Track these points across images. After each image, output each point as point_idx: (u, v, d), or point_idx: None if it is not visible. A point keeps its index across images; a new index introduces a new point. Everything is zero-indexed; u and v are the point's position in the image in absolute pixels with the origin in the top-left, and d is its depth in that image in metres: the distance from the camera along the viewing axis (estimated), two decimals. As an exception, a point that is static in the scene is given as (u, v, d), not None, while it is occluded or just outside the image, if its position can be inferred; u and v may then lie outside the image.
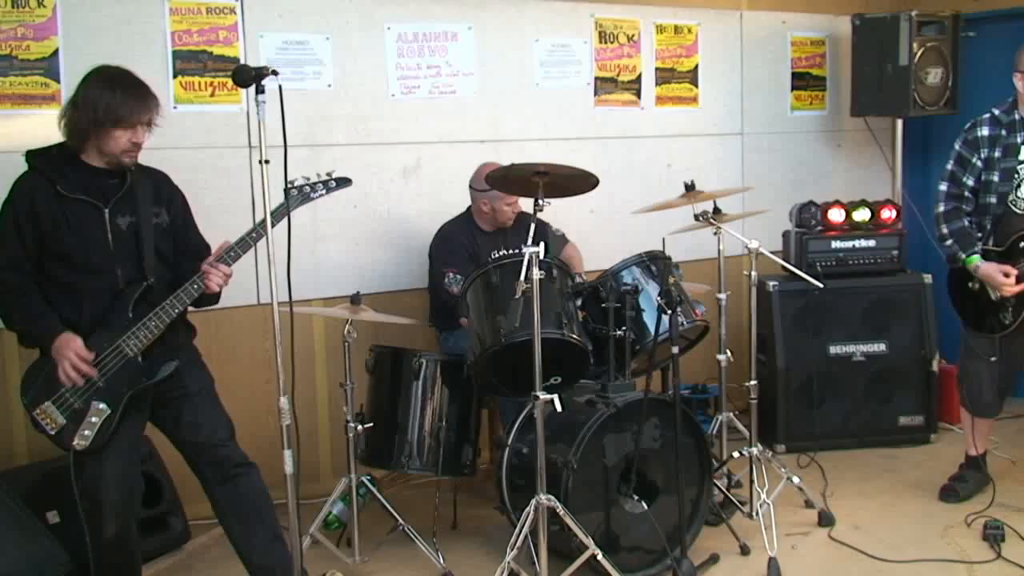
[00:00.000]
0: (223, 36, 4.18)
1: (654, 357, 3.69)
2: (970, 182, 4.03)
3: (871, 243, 4.99)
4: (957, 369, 4.36)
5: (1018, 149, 3.93)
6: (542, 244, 3.18)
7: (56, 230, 2.98)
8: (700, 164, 5.34)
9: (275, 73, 2.79)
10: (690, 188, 4.01)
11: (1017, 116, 3.94)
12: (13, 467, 3.76)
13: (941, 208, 4.08)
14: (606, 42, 5.14)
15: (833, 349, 4.90)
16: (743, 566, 3.71)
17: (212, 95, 4.17)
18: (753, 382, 4.05)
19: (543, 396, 3.21)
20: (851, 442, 4.92)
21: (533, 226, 3.16)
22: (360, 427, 3.71)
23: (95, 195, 3.02)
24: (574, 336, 3.49)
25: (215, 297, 3.18)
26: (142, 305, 3.04)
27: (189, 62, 4.12)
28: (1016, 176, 3.93)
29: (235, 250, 3.10)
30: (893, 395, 4.94)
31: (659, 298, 3.54)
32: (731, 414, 4.35)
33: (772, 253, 3.98)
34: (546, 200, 3.23)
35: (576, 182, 3.41)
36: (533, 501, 3.26)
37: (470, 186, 4.34)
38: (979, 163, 4.00)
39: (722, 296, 4.11)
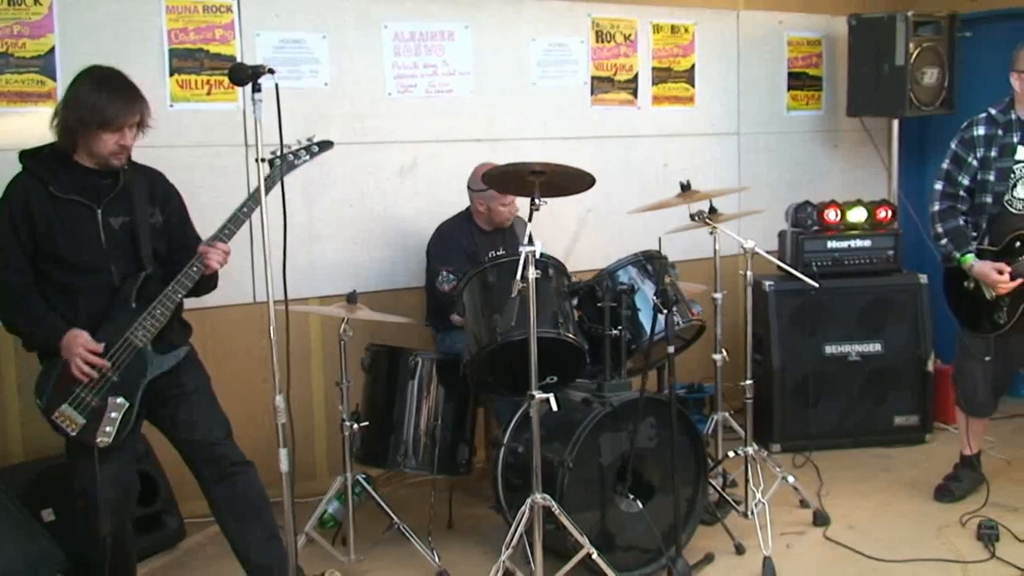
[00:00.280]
0: (219, 34, 4.17)
1: (650, 356, 3.68)
2: (966, 181, 4.03)
3: (867, 243, 4.99)
4: (953, 369, 4.37)
5: (1014, 149, 3.93)
6: (539, 243, 3.17)
7: (49, 231, 2.97)
8: (696, 164, 5.33)
9: (271, 71, 2.78)
10: (686, 188, 4.02)
11: (1013, 116, 3.94)
12: (8, 465, 3.75)
13: (936, 207, 4.08)
14: (603, 41, 5.14)
15: (829, 349, 4.90)
16: (738, 565, 3.71)
17: (208, 93, 4.16)
18: (749, 382, 4.05)
19: (539, 395, 3.21)
20: (846, 442, 4.92)
21: (529, 226, 3.16)
22: (356, 426, 3.71)
23: (88, 195, 3.01)
24: (570, 335, 3.49)
25: (214, 281, 3.17)
26: (142, 297, 3.03)
27: (185, 60, 4.11)
28: (1012, 176, 3.93)
29: (228, 227, 3.09)
30: (888, 395, 4.94)
31: (655, 297, 3.54)
32: (727, 413, 4.38)
33: (768, 253, 3.99)
34: (543, 199, 3.24)
35: (573, 181, 3.41)
36: (529, 500, 3.27)
37: (467, 186, 4.34)
38: (975, 162, 4.00)
39: (718, 296, 4.12)
